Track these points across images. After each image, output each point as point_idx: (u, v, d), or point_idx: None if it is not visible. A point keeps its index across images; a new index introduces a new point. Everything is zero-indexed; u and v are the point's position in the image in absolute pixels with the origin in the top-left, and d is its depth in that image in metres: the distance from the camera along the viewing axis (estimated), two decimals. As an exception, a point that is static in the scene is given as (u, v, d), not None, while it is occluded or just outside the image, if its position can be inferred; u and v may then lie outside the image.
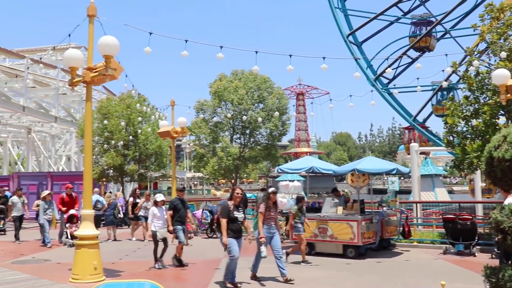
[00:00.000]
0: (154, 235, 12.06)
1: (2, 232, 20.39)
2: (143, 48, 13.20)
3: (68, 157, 44.97)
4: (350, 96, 19.86)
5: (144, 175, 28.81)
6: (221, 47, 14.84)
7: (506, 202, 6.95)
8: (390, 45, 34.55)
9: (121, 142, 25.96)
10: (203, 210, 19.85)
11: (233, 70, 35.26)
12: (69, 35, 12.64)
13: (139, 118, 25.87)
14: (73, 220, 16.39)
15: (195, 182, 66.20)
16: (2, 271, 11.55)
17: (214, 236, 18.74)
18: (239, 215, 9.68)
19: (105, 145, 26.64)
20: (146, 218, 17.63)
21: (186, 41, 14.32)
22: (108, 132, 26.26)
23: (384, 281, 10.21)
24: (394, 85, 33.07)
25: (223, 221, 9.53)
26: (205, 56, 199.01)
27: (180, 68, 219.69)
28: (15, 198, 18.13)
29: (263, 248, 9.99)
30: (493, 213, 4.11)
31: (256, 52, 15.24)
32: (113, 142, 26.16)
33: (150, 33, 13.33)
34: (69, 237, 15.99)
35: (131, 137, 26.31)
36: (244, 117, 28.93)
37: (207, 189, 68.79)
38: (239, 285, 9.57)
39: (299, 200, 13.25)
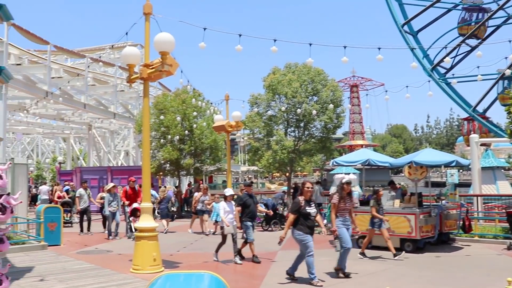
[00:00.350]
0: (223, 230, 11.86)
1: (69, 224, 21.00)
2: (197, 44, 13.35)
3: (127, 152, 46.31)
4: (407, 87, 19.39)
5: (200, 169, 29.19)
6: (275, 40, 14.82)
7: None
8: (447, 33, 33.46)
9: (177, 137, 26.42)
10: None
11: (286, 63, 35.12)
12: (126, 34, 12.98)
13: (194, 113, 26.19)
14: (136, 213, 15.80)
15: (250, 176, 66.67)
16: (68, 260, 12.12)
17: (269, 229, 18.87)
18: (311, 210, 9.40)
19: (162, 140, 27.15)
20: (203, 211, 17.95)
21: (240, 35, 14.39)
22: (164, 127, 26.75)
23: (444, 277, 9.92)
24: (453, 74, 32.03)
25: (291, 216, 9.39)
26: (259, 50, 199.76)
27: (234, 62, 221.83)
28: (82, 191, 18.83)
29: (337, 242, 9.88)
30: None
31: (310, 44, 15.14)
32: (169, 136, 26.66)
33: (204, 29, 13.47)
34: (133, 230, 15.45)
35: (186, 131, 26.69)
36: (298, 110, 28.69)
37: (262, 182, 69.15)
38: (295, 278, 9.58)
39: (375, 192, 13.05)
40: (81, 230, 18.29)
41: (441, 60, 31.08)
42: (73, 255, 13.07)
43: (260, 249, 13.25)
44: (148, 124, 11.48)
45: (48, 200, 23.73)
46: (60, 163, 44.24)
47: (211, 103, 27.48)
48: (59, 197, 22.38)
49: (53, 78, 27.04)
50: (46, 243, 14.24)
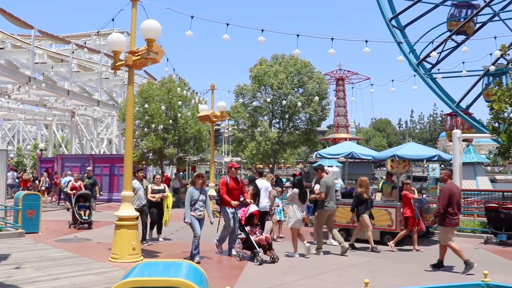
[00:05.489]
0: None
1: (87, 225, 16.19)
2: (184, 32, 13.22)
3: (110, 140, 45.95)
4: (392, 81, 19.47)
5: (183, 158, 29.09)
6: (262, 30, 14.73)
7: None
8: (434, 29, 33.60)
9: (161, 126, 26.25)
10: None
11: (273, 54, 35.10)
12: (113, 20, 12.83)
13: (179, 102, 26.05)
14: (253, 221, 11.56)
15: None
16: (46, 248, 11.97)
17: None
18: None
19: (146, 129, 26.99)
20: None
21: (228, 24, 14.28)
22: (148, 116, 26.58)
23: (422, 270, 10.04)
24: (438, 69, 32.22)
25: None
26: (247, 41, 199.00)
27: (221, 52, 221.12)
28: (136, 183, 15.48)
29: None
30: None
31: (298, 35, 15.08)
32: (153, 125, 26.49)
33: (192, 17, 13.35)
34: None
35: (171, 121, 26.55)
36: (284, 102, 28.78)
37: (245, 173, 69.13)
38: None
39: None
40: (143, 239, 13.14)
41: (427, 55, 31.23)
42: (51, 243, 12.91)
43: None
44: (132, 112, 11.38)
45: (14, 185, 23.38)
46: (41, 150, 43.75)
47: (197, 93, 27.37)
48: (73, 188, 17.85)
49: (36, 63, 26.65)
50: (23, 230, 14.04)
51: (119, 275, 8.77)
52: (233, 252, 11.30)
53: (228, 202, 11.18)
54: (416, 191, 14.83)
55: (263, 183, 12.91)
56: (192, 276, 3.80)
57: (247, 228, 10.92)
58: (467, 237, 14.45)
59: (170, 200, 13.54)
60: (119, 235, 10.53)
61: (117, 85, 36.29)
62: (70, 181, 19.21)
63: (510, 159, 15.81)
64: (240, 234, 11.08)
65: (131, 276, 3.70)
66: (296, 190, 11.47)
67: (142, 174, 14.16)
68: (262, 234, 11.01)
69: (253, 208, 11.18)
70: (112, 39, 11.20)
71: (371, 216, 12.66)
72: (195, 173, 11.67)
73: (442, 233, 10.38)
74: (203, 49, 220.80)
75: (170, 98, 26.68)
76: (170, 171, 41.76)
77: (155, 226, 13.67)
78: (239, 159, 39.75)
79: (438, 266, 10.16)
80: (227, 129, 44.02)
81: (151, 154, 27.76)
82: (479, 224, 15.20)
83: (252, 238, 10.76)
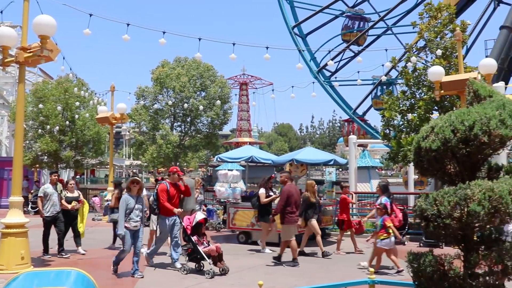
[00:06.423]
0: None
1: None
2: (82, 31, 12.76)
3: (-1, 142, 43.08)
4: (292, 87, 20.10)
5: (81, 162, 28.02)
6: (164, 32, 14.61)
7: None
8: (334, 38, 35.18)
9: (57, 127, 25.12)
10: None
11: (176, 57, 34.89)
12: (1, 12, 12.07)
13: (77, 103, 25.14)
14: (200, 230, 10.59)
15: (134, 170, 65.11)
16: None
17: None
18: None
19: (40, 130, 25.69)
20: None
21: (128, 24, 13.99)
22: (43, 116, 25.32)
23: (318, 270, 10.43)
24: (336, 77, 33.72)
25: None
26: (148, 42, 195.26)
27: (121, 53, 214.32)
28: (48, 188, 12.21)
29: None
30: (419, 201, 4.26)
31: (200, 39, 15.11)
32: (48, 127, 25.27)
33: (90, 15, 12.93)
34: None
35: (68, 122, 25.49)
36: (186, 105, 28.62)
37: (146, 177, 67.82)
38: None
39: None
40: (45, 250, 11.78)
41: (326, 64, 32.57)
42: None
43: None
44: (23, 112, 10.77)
45: None
46: None
47: (95, 94, 26.49)
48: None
49: None
50: None
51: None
52: (177, 265, 10.13)
53: (170, 211, 10.16)
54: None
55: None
56: (80, 284, 3.63)
57: (194, 238, 9.85)
58: (361, 237, 15.11)
59: (86, 208, 12.74)
60: (6, 243, 9.82)
61: (8, 82, 34.23)
62: None
63: (399, 163, 16.80)
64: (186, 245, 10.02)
65: (11, 286, 3.46)
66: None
67: (57, 177, 12.38)
68: (209, 244, 10.06)
69: (199, 216, 10.19)
70: (0, 33, 10.48)
71: (319, 220, 12.87)
72: (130, 178, 10.54)
73: (283, 231, 11.05)
74: (103, 50, 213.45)
75: (67, 99, 25.62)
76: (67, 175, 39.98)
77: (72, 237, 12.20)
78: (139, 162, 38.93)
79: (278, 259, 10.85)
80: (128, 131, 42.93)
81: (45, 156, 26.43)
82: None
83: (201, 248, 9.78)
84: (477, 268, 4.15)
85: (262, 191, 12.52)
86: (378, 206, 10.60)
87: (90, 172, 50.24)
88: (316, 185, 12.88)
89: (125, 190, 10.37)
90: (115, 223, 12.20)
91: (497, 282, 4.11)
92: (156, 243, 10.77)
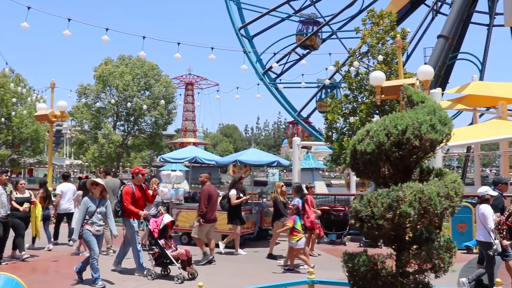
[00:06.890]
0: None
1: None
2: (20, 25, 12.32)
3: None
4: (237, 88, 20.18)
5: (17, 161, 27.02)
6: (107, 29, 14.35)
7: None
8: (280, 41, 35.55)
9: (-8, 125, 24.17)
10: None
11: (120, 55, 34.21)
12: None
13: (14, 99, 24.22)
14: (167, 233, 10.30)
15: (75, 170, 63.39)
16: None
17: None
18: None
19: (-28, 127, 24.64)
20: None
21: (69, 19, 13.63)
22: (-24, 113, 24.31)
23: (260, 270, 10.51)
24: (281, 80, 34.09)
25: None
26: (91, 39, 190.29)
27: (63, 49, 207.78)
28: None
29: None
30: (354, 203, 4.38)
31: (144, 37, 14.94)
32: (-19, 124, 24.27)
33: (28, 8, 12.51)
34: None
35: (3, 119, 24.51)
36: (129, 104, 28.14)
37: (89, 177, 66.20)
38: None
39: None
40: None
41: (272, 66, 32.89)
42: None
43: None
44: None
45: None
46: None
47: (34, 90, 25.63)
48: None
49: None
50: None
51: None
52: (144, 271, 9.62)
53: (135, 213, 9.77)
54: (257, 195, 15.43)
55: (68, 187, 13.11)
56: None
57: (162, 242, 9.45)
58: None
59: (39, 209, 12.07)
60: None
61: None
62: None
63: (340, 165, 17.21)
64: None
65: None
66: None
67: (6, 176, 11.13)
68: (177, 248, 9.70)
69: (167, 218, 9.80)
70: None
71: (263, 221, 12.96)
72: (89, 180, 9.90)
73: (197, 227, 11.21)
74: (43, 45, 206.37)
75: (2, 95, 24.65)
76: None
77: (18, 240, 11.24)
78: (80, 162, 38.00)
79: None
80: (69, 130, 41.75)
81: (-23, 155, 25.36)
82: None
83: (169, 252, 9.39)
84: (408, 267, 4.32)
85: (233, 192, 12.46)
86: (290, 207, 10.91)
87: (27, 172, 48.46)
88: (284, 185, 12.90)
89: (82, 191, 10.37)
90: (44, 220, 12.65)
91: (425, 280, 4.31)
92: (123, 247, 10.18)
